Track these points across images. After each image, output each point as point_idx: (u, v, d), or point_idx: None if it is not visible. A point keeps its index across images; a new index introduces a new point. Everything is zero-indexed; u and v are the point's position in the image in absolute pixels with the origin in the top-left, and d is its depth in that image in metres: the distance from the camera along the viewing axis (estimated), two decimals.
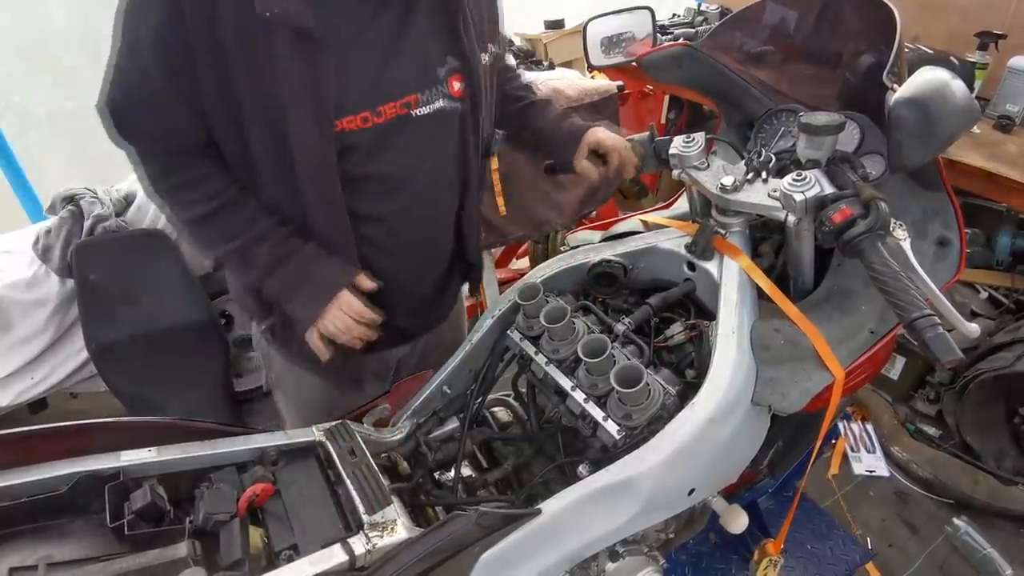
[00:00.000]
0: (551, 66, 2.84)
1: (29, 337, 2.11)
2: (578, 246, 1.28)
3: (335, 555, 0.81)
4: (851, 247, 0.89)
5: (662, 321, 1.17)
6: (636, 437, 0.97)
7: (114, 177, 2.34)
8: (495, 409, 1.31)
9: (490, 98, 1.20)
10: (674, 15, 3.30)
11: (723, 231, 1.13)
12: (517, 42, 3.16)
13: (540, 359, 1.09)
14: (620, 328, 1.11)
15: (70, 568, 0.76)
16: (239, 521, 0.85)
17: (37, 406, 2.26)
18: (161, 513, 0.85)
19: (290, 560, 0.82)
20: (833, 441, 2.21)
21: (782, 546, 1.47)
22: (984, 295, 2.27)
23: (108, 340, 2.11)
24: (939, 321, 0.83)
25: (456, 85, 1.09)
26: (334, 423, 1.05)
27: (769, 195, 1.01)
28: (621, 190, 2.95)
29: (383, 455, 1.14)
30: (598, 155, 1.30)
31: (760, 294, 1.07)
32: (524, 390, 1.27)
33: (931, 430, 2.33)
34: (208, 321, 2.26)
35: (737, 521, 1.08)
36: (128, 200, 2.22)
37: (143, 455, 0.90)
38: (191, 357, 2.27)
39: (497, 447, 1.25)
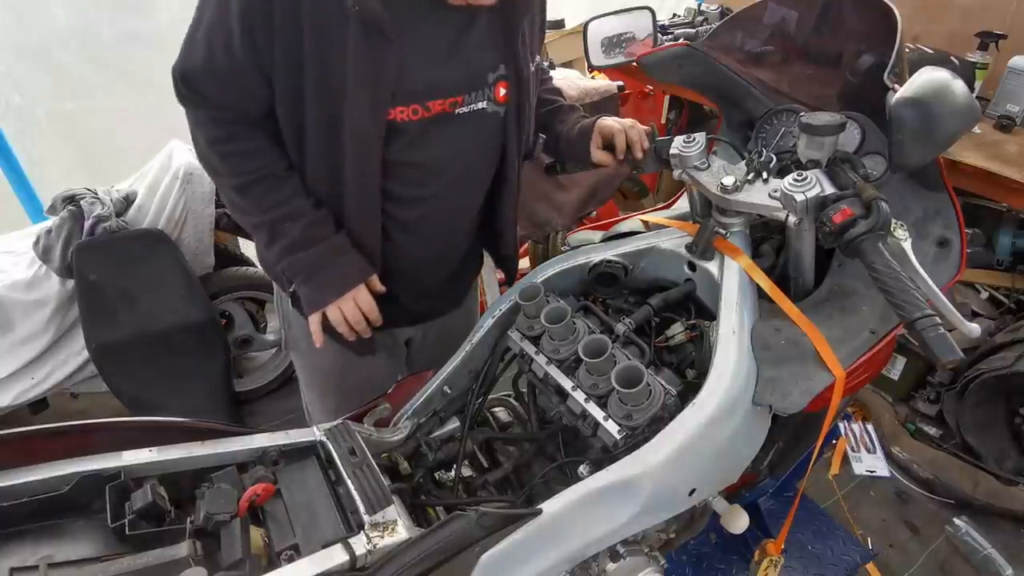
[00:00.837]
0: (551, 66, 2.83)
1: (29, 337, 2.11)
2: (578, 246, 1.28)
3: (336, 555, 0.81)
4: (852, 247, 0.89)
5: (663, 321, 1.17)
6: (637, 437, 0.97)
7: (114, 177, 2.35)
8: (495, 409, 1.32)
9: (533, 104, 1.28)
10: (674, 15, 3.31)
11: (724, 231, 1.13)
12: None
13: (541, 359, 1.09)
14: (621, 328, 1.11)
15: (71, 568, 0.76)
16: (240, 521, 0.85)
17: (38, 406, 2.27)
18: (162, 513, 0.85)
19: (291, 560, 0.82)
20: (833, 441, 2.21)
21: (783, 546, 1.47)
22: (985, 295, 2.27)
23: (108, 340, 2.11)
24: (940, 321, 0.83)
25: (502, 91, 1.17)
26: (334, 423, 1.05)
27: (770, 195, 1.01)
28: (621, 190, 2.95)
29: (384, 455, 1.14)
30: (606, 145, 1.32)
31: (761, 294, 1.07)
32: (524, 390, 1.27)
33: (932, 430, 2.33)
34: (208, 321, 2.27)
35: (738, 521, 1.08)
36: (128, 200, 2.22)
37: (144, 455, 0.90)
38: (191, 357, 2.27)
39: (498, 447, 1.25)
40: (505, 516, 0.88)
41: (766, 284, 1.06)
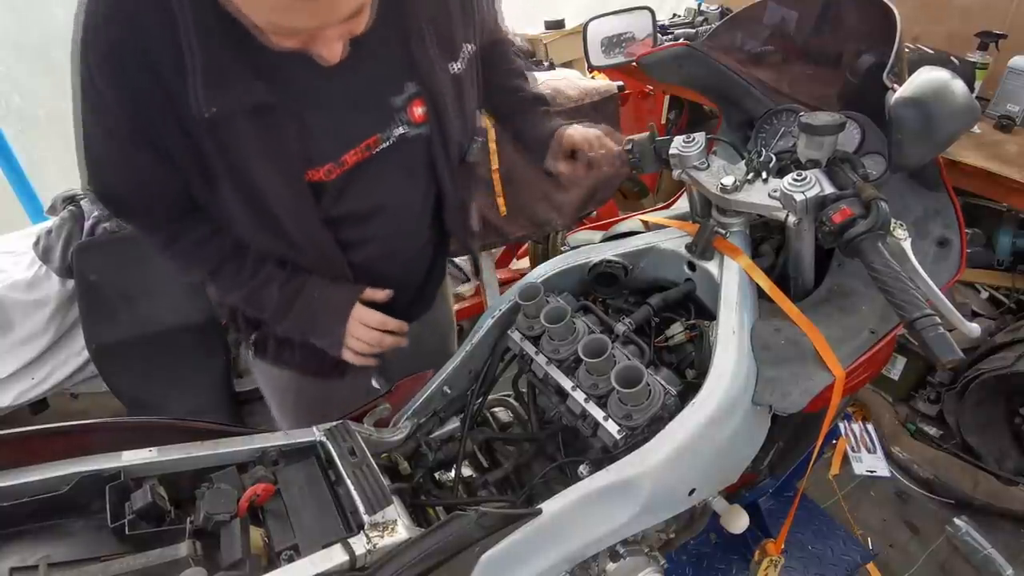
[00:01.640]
0: (551, 66, 2.84)
1: (30, 338, 2.11)
2: (578, 246, 1.28)
3: (335, 555, 0.81)
4: (851, 247, 0.89)
5: (662, 321, 1.17)
6: (636, 437, 0.97)
7: None
8: (495, 409, 1.32)
9: (465, 104, 1.15)
10: (674, 15, 3.31)
11: (723, 231, 1.13)
12: (517, 42, 3.16)
13: (540, 359, 1.09)
14: (620, 328, 1.11)
15: (71, 568, 0.76)
16: (240, 521, 0.85)
17: (38, 406, 2.27)
18: (162, 513, 0.85)
19: (291, 560, 0.82)
20: (834, 441, 2.21)
21: (783, 546, 1.47)
22: (985, 295, 2.27)
23: (108, 340, 2.11)
24: (940, 321, 0.82)
25: (417, 111, 1.07)
26: (334, 423, 1.05)
27: (769, 195, 1.01)
28: (621, 190, 2.95)
29: (384, 455, 1.14)
30: (575, 155, 1.30)
31: (760, 294, 1.07)
32: (524, 390, 1.27)
33: (932, 430, 2.33)
34: (208, 321, 2.26)
35: (738, 521, 1.08)
36: None
37: (144, 455, 0.90)
38: (191, 357, 2.28)
39: (498, 447, 1.25)
40: (505, 516, 0.88)
41: (766, 284, 1.06)
